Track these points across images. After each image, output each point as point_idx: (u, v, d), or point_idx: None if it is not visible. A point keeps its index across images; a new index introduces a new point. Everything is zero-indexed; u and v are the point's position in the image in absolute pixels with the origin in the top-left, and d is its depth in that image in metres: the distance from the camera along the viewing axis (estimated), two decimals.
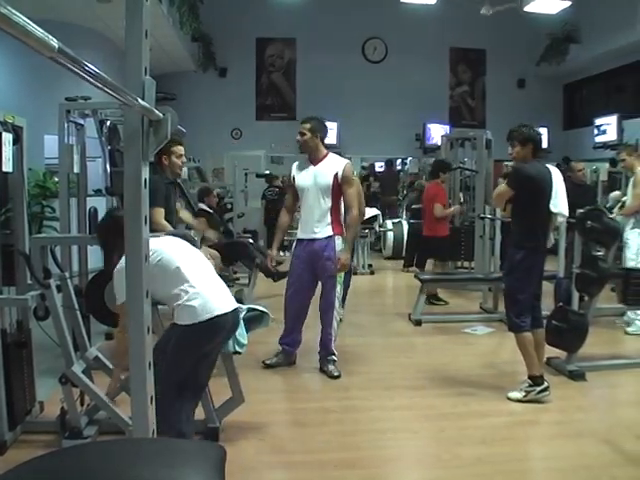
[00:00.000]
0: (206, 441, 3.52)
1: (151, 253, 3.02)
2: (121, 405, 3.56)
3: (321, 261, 5.21)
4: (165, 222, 4.80)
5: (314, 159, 5.33)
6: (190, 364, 3.33)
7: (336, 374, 5.13)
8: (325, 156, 5.35)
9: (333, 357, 5.28)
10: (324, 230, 5.20)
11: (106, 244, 3.54)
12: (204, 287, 3.27)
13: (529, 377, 4.67)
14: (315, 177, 5.23)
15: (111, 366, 4.00)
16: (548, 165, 4.94)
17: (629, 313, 6.49)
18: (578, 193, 7.99)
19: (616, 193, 8.73)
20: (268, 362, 5.35)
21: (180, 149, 5.17)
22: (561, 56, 15.48)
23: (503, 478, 3.60)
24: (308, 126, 5.32)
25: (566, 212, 5.84)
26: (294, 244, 5.50)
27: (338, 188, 5.20)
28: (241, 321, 3.67)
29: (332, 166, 5.22)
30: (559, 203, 4.96)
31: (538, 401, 4.57)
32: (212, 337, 3.33)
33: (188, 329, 3.20)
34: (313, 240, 5.23)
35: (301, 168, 5.40)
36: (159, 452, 1.50)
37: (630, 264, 6.43)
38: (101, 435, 3.84)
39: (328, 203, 5.20)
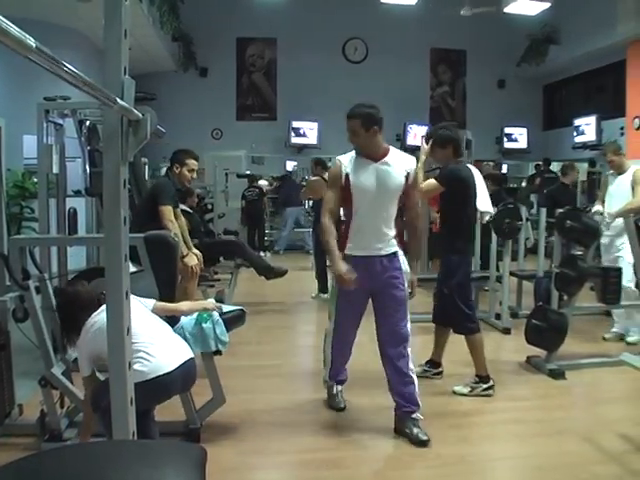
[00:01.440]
0: (187, 442, 3.50)
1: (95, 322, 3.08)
2: None
3: (385, 285, 4.07)
4: (173, 221, 5.06)
5: (374, 154, 4.05)
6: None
7: (424, 438, 3.89)
8: (388, 151, 4.12)
9: (418, 415, 4.04)
10: (389, 244, 4.06)
11: (62, 322, 3.45)
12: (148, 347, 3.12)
13: (477, 375, 4.89)
14: (380, 177, 3.99)
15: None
16: (468, 165, 5.08)
17: (617, 325, 6.39)
18: (564, 193, 8.09)
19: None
20: (342, 406, 4.49)
21: (194, 163, 5.57)
22: (541, 57, 15.59)
23: (485, 477, 3.63)
24: (359, 122, 4.03)
25: (491, 209, 5.95)
26: (346, 261, 4.03)
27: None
28: (219, 320, 3.70)
29: (401, 164, 4.07)
30: (483, 202, 5.10)
31: (481, 395, 4.78)
32: (158, 396, 3.24)
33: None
34: (374, 257, 4.03)
35: (357, 164, 4.04)
36: (139, 453, 1.49)
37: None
38: None
39: (394, 210, 4.09)
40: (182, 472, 1.38)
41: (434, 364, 5.32)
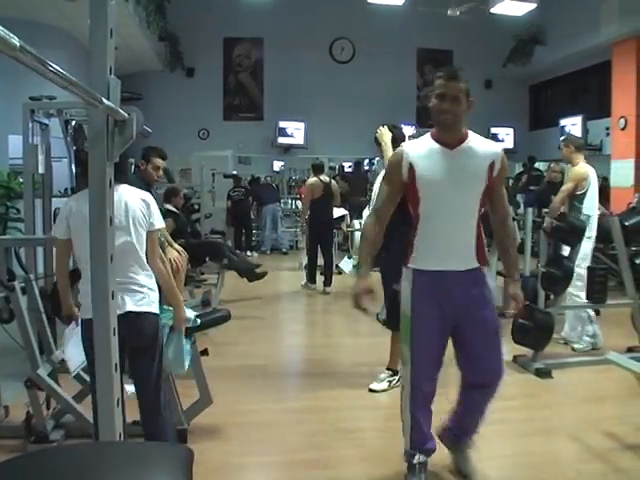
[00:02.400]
0: (173, 443, 3.50)
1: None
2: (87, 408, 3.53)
3: (470, 308, 3.17)
4: None
5: (452, 139, 3.23)
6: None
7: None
8: (467, 135, 3.32)
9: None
10: (470, 256, 3.18)
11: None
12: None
13: (389, 369, 4.94)
14: (457, 168, 3.13)
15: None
16: None
17: (568, 331, 6.23)
18: (551, 192, 8.12)
19: None
20: None
21: (159, 162, 5.34)
22: (527, 57, 15.67)
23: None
24: (463, 87, 3.35)
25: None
26: (412, 277, 3.21)
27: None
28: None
29: (483, 152, 3.23)
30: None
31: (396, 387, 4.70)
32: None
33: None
34: (451, 273, 3.13)
35: (428, 152, 3.19)
36: (125, 455, 1.49)
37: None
38: (68, 439, 3.79)
39: (476, 210, 3.21)
40: (168, 473, 1.38)
41: (393, 370, 5.01)
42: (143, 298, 3.10)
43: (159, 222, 3.22)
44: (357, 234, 12.89)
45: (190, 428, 3.90)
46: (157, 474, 1.37)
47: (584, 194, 6.03)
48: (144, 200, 3.14)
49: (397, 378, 4.79)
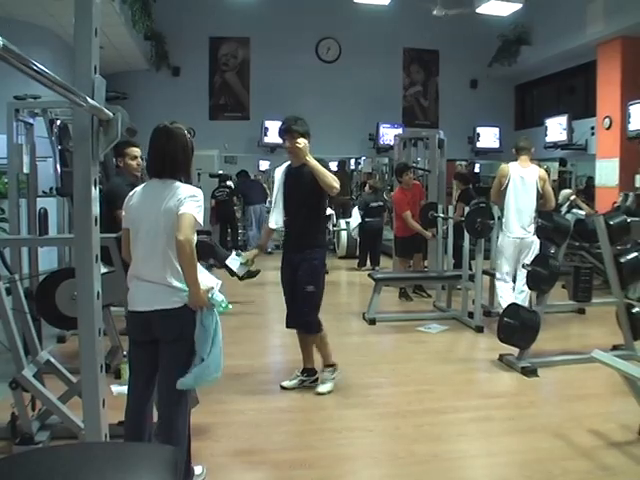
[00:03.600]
0: (159, 444, 3.48)
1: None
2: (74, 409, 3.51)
3: None
4: None
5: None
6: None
7: None
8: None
9: None
10: None
11: None
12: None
13: (328, 365, 4.94)
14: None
15: (63, 370, 3.95)
16: None
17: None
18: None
19: (566, 191, 8.88)
20: None
21: (133, 150, 5.32)
22: (512, 57, 15.70)
23: (459, 474, 3.65)
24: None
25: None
26: None
27: None
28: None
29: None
30: None
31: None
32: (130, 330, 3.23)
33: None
34: None
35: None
36: (111, 456, 1.48)
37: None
38: (54, 440, 3.76)
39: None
40: (154, 473, 1.37)
41: (310, 371, 5.02)
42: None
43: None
44: (343, 233, 12.93)
45: None
46: (142, 474, 1.36)
47: (505, 190, 6.66)
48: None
49: (338, 371, 4.97)
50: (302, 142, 4.58)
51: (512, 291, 6.67)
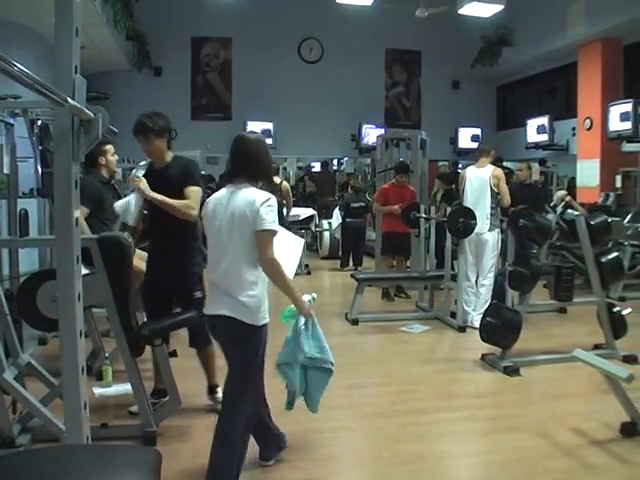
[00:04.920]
0: (141, 446, 3.48)
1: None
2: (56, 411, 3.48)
3: None
4: (84, 222, 4.76)
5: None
6: None
7: None
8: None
9: None
10: None
11: None
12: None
13: (217, 385, 4.43)
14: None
15: (44, 372, 3.93)
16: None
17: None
18: (524, 192, 8.18)
19: (561, 192, 8.94)
20: None
21: (112, 147, 5.35)
22: (494, 59, 15.79)
23: (443, 474, 3.66)
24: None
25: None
26: None
27: None
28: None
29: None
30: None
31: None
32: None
33: None
34: None
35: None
36: (93, 459, 1.47)
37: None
38: (35, 443, 3.73)
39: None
40: (136, 476, 1.37)
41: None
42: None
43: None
44: (326, 234, 12.93)
45: (159, 430, 3.87)
46: (124, 476, 1.36)
47: (464, 191, 7.15)
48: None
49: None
50: (142, 183, 4.06)
51: (471, 289, 7.07)
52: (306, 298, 3.40)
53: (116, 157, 5.59)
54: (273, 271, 3.14)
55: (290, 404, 3.52)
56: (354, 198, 11.55)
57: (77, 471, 1.38)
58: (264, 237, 3.06)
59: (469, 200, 7.03)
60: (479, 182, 6.99)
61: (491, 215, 6.86)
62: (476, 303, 6.99)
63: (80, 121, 1.82)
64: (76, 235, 1.82)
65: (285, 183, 10.50)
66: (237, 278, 3.12)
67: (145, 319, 4.27)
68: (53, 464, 1.41)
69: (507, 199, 6.91)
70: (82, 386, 1.91)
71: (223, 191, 3.28)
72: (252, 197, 3.09)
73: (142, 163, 4.33)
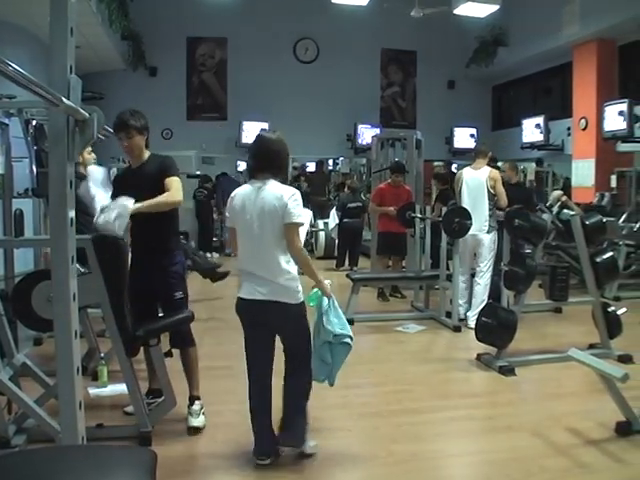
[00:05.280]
0: (136, 446, 3.47)
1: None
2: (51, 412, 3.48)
3: None
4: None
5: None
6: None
7: None
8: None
9: None
10: None
11: None
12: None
13: (197, 397, 4.22)
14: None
15: (40, 373, 3.92)
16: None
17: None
18: (509, 192, 8.17)
19: (557, 192, 8.94)
20: None
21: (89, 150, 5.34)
22: (490, 59, 15.82)
23: (438, 473, 3.66)
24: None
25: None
26: None
27: None
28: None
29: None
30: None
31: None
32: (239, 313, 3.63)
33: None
34: None
35: None
36: (88, 459, 1.47)
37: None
38: (30, 444, 3.72)
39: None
40: (132, 476, 1.36)
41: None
42: None
43: None
44: (321, 234, 12.93)
45: (154, 430, 3.87)
46: (120, 477, 1.35)
47: (460, 192, 7.20)
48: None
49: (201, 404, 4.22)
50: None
51: (465, 290, 7.17)
52: (327, 282, 3.78)
53: (94, 155, 5.55)
54: (301, 260, 3.52)
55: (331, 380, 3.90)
56: (351, 198, 11.53)
57: (72, 471, 1.37)
58: (292, 229, 3.42)
59: (466, 202, 7.02)
60: (476, 184, 6.99)
61: (489, 217, 6.85)
62: (472, 302, 7.01)
63: (75, 121, 1.82)
64: (71, 235, 1.82)
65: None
66: (275, 265, 3.44)
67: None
68: (48, 464, 1.41)
69: (504, 200, 6.89)
70: (77, 386, 1.90)
71: (248, 186, 3.56)
72: (280, 192, 3.43)
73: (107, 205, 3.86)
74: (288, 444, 3.69)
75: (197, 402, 4.17)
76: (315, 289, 3.71)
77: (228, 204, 3.62)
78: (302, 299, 3.56)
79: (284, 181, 3.59)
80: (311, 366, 3.70)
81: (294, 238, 3.42)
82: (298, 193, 3.49)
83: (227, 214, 3.65)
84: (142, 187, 3.96)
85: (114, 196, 3.90)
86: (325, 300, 3.72)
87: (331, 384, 3.86)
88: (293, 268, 3.51)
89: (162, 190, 3.97)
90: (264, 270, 3.45)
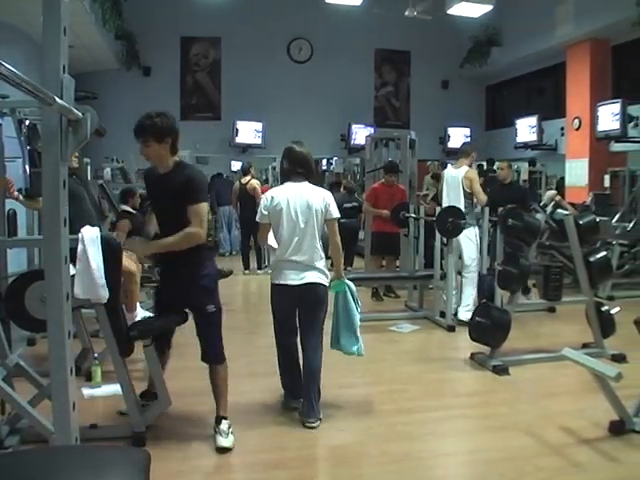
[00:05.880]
0: (130, 446, 3.46)
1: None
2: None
3: None
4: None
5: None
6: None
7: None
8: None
9: None
10: None
11: None
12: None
13: (224, 417, 4.01)
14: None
15: (33, 373, 3.91)
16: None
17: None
18: (503, 191, 8.18)
19: (551, 192, 8.96)
20: None
21: None
22: (483, 59, 15.83)
23: (432, 473, 3.67)
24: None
25: None
26: None
27: None
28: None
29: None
30: None
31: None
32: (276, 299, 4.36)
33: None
34: None
35: None
36: (81, 460, 1.46)
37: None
38: (24, 444, 3.71)
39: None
40: (125, 477, 1.36)
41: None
42: None
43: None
44: None
45: (148, 431, 3.86)
46: (113, 478, 1.35)
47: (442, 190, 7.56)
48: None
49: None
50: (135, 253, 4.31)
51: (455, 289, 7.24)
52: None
53: (76, 153, 5.48)
54: (337, 250, 4.35)
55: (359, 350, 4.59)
56: (347, 198, 11.47)
57: (66, 472, 1.37)
58: (334, 224, 4.27)
59: (444, 199, 7.37)
60: (453, 182, 7.24)
61: (465, 214, 6.93)
62: (461, 297, 7.18)
63: (68, 121, 1.82)
64: (64, 235, 1.81)
65: (253, 182, 10.94)
66: (316, 253, 4.20)
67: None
68: (42, 465, 1.41)
69: (481, 199, 7.11)
70: (71, 387, 1.90)
71: (287, 186, 4.24)
72: (321, 193, 4.25)
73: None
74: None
75: (224, 421, 3.93)
76: (339, 279, 4.43)
77: (267, 202, 4.20)
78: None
79: (315, 183, 4.30)
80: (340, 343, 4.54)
81: (335, 232, 4.25)
82: (329, 193, 4.32)
83: (264, 211, 4.20)
84: (166, 200, 3.84)
85: (149, 194, 4.31)
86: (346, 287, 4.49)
87: (360, 354, 4.56)
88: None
89: (186, 210, 3.71)
90: (306, 257, 4.14)
